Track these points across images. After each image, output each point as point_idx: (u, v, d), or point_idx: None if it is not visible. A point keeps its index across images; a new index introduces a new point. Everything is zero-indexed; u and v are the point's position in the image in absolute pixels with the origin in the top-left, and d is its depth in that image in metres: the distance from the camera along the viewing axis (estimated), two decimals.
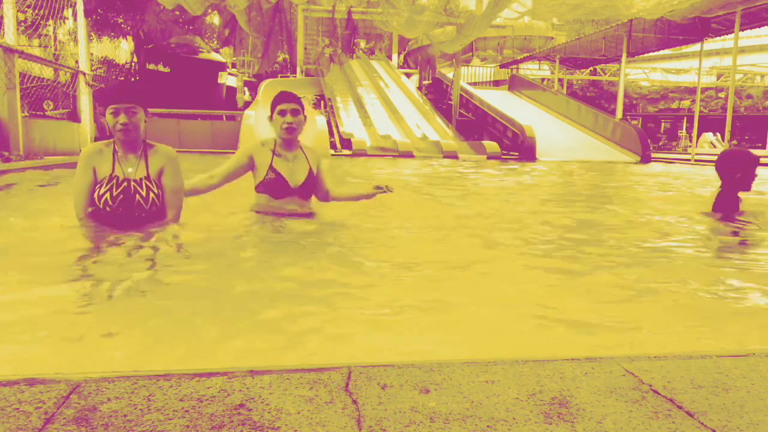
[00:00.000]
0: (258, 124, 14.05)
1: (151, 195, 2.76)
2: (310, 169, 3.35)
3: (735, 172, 3.49)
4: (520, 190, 7.30)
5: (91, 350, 1.62)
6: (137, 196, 2.73)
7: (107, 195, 2.69)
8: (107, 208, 2.70)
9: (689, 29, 15.73)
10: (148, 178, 2.77)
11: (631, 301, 2.23)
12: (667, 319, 2.02)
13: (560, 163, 13.15)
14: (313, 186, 3.39)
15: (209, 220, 3.32)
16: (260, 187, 3.29)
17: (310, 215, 3.39)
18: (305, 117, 3.31)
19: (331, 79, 20.34)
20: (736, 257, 3.03)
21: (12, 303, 1.97)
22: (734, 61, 14.21)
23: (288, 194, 3.29)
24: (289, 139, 3.27)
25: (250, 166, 3.30)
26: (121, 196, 2.71)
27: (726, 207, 3.59)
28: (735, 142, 27.83)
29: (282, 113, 3.22)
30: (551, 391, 1.17)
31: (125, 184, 2.72)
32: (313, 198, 3.48)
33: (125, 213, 2.73)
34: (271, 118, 3.27)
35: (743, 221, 3.55)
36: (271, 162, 3.26)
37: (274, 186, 3.26)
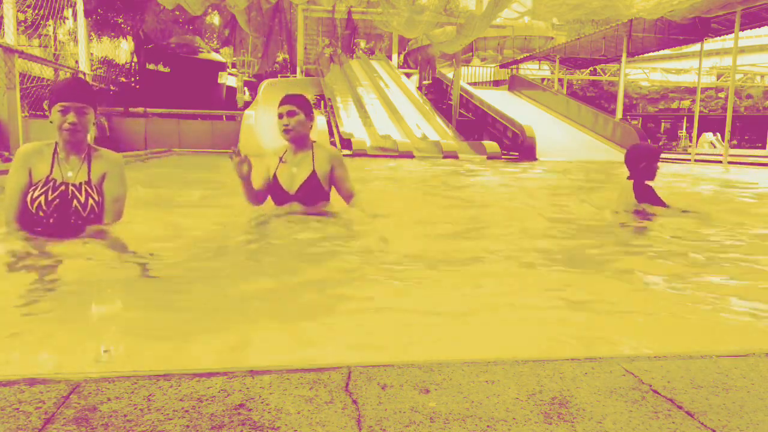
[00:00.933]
0: (258, 124, 14.05)
1: (90, 201, 2.56)
2: (313, 172, 3.23)
3: (639, 163, 3.84)
4: (520, 190, 7.29)
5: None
6: (75, 201, 2.53)
7: (41, 199, 2.48)
8: (40, 213, 2.49)
9: (689, 29, 15.70)
10: (88, 183, 2.57)
11: (629, 300, 2.23)
12: (664, 318, 2.02)
13: (560, 163, 13.15)
14: (313, 190, 3.25)
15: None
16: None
17: (324, 213, 3.33)
18: (307, 116, 3.21)
19: (331, 79, 20.32)
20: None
21: None
22: (734, 61, 14.19)
23: (286, 200, 3.26)
24: (291, 140, 3.26)
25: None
26: (57, 201, 2.50)
27: (645, 197, 3.88)
28: (735, 142, 27.84)
29: (280, 116, 3.22)
30: (551, 391, 1.17)
31: (63, 188, 2.51)
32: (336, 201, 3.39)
33: (60, 219, 2.51)
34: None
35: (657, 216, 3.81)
36: (276, 169, 3.28)
37: (272, 193, 3.30)
